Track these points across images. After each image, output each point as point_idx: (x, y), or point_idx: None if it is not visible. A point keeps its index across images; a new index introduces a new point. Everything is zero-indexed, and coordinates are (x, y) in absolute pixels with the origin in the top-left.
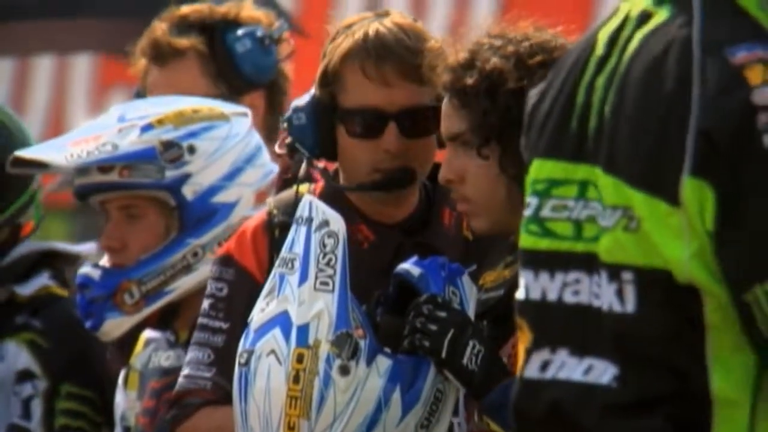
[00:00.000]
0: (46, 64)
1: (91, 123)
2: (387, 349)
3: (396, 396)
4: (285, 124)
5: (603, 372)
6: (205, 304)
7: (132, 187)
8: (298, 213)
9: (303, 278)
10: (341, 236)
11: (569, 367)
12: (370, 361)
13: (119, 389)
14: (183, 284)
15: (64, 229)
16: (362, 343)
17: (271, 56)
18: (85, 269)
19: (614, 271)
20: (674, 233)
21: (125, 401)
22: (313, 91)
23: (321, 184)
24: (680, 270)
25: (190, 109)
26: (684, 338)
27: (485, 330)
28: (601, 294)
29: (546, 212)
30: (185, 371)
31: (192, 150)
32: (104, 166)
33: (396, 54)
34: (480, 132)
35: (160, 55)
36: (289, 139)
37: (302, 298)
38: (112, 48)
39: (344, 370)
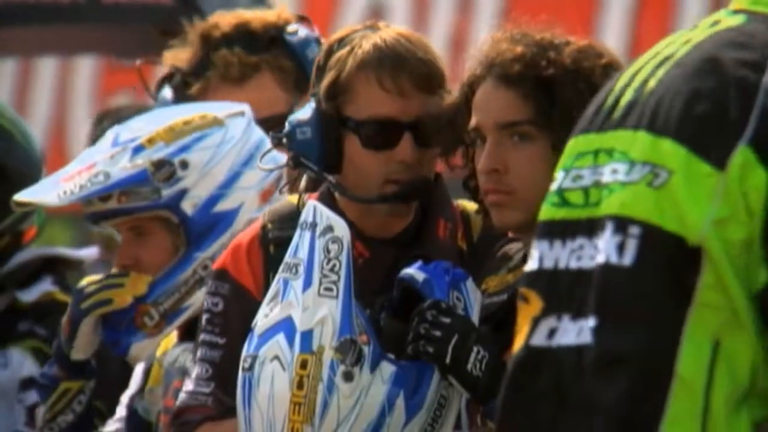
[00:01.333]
0: (49, 65)
1: (88, 150)
2: (391, 355)
3: (400, 402)
4: (285, 140)
5: (588, 328)
6: (203, 319)
7: (131, 211)
8: (302, 218)
9: (307, 284)
10: (345, 242)
11: (568, 333)
12: (373, 368)
13: (136, 375)
14: (199, 298)
15: (67, 234)
16: (366, 350)
17: None
18: None
19: (622, 224)
20: (706, 195)
21: (138, 388)
22: (312, 104)
23: (315, 195)
24: (694, 230)
25: (181, 121)
26: (668, 307)
27: (489, 335)
28: (600, 249)
29: (567, 183)
30: (187, 387)
31: (185, 165)
32: (101, 195)
33: (410, 64)
34: (548, 122)
35: (240, 73)
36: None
37: (306, 303)
38: (117, 52)
39: (348, 377)
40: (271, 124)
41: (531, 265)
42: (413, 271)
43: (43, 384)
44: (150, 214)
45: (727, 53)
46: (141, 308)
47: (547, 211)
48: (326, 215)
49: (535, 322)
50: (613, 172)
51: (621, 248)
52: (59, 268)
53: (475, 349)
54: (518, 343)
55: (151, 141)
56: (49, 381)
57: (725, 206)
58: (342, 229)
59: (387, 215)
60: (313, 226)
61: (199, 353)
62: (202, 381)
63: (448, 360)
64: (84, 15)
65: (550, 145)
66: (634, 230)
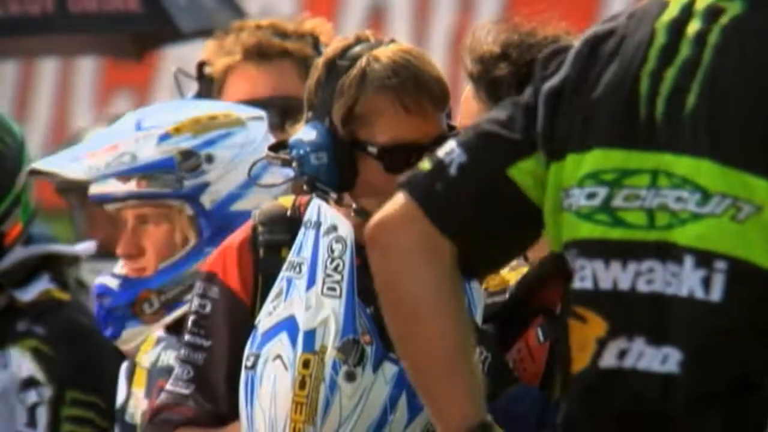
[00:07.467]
0: (50, 67)
1: (106, 130)
2: (393, 355)
3: (402, 402)
4: (296, 164)
5: (675, 360)
6: (189, 320)
7: (150, 197)
8: (307, 216)
9: (310, 283)
10: (349, 242)
11: (649, 357)
12: (376, 368)
13: (120, 383)
14: None
15: (69, 230)
16: (369, 350)
17: None
18: (102, 279)
19: (705, 258)
20: None
21: (125, 396)
22: (317, 125)
23: (307, 198)
24: None
25: (205, 116)
26: (760, 339)
27: (492, 335)
28: (681, 280)
29: (618, 202)
30: (167, 386)
31: (210, 159)
32: (126, 175)
33: (428, 84)
34: None
35: (265, 52)
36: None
37: (309, 303)
38: (117, 52)
39: (350, 377)
40: (284, 103)
41: (583, 284)
42: None
43: None
44: (165, 202)
45: (760, 66)
46: (142, 295)
47: (594, 230)
48: (330, 214)
49: (602, 344)
50: (680, 200)
51: (707, 283)
52: (56, 265)
53: (477, 350)
54: (580, 363)
55: (177, 130)
56: None
57: None
58: (346, 228)
59: None
60: (318, 224)
61: (182, 354)
62: (182, 382)
63: None
64: (52, 24)
65: None
66: (720, 265)
